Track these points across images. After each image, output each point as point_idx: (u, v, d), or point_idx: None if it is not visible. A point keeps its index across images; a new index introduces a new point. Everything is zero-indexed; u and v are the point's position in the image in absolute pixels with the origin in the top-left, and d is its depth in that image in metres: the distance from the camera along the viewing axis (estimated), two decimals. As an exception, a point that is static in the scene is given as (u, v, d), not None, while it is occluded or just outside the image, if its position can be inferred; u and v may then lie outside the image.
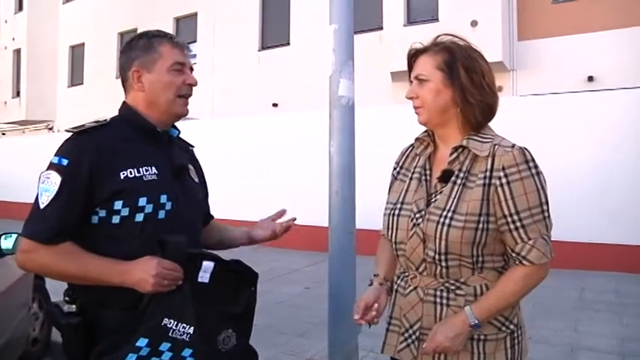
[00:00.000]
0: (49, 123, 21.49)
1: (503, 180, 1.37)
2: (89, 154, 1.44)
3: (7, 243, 3.14)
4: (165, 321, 1.38)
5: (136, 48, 1.58)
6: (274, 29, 15.01)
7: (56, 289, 3.90)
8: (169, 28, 17.04)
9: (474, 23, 10.37)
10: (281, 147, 9.03)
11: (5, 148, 15.83)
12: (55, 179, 1.42)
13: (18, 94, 21.62)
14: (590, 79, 10.18)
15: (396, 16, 11.93)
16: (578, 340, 4.24)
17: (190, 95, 1.63)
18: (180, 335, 1.38)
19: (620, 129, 6.77)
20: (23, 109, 21.18)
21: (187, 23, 16.89)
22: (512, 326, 1.45)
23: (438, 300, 1.44)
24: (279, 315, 4.87)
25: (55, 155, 1.47)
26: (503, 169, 1.37)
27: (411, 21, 11.84)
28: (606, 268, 6.55)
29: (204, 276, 1.44)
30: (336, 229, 2.78)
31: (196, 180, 1.70)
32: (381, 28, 12.34)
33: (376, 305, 1.53)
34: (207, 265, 1.45)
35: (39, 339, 3.73)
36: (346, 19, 2.88)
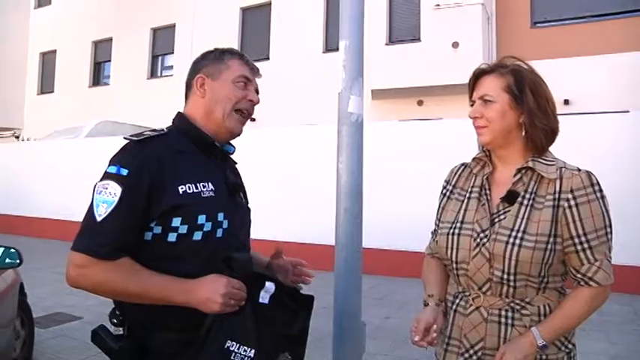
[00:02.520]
0: (15, 131, 20.91)
1: (572, 202, 1.39)
2: (150, 165, 1.36)
3: (-8, 256, 2.98)
4: (229, 344, 1.32)
5: (207, 59, 1.58)
6: (254, 43, 15.00)
7: (33, 306, 3.71)
8: (146, 39, 16.89)
9: (455, 44, 10.57)
10: (285, 163, 8.95)
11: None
12: (115, 190, 1.33)
13: (-17, 100, 20.99)
14: (567, 102, 10.45)
15: (377, 35, 12.05)
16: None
17: (250, 113, 1.59)
18: (242, 358, 1.32)
19: (597, 152, 6.92)
20: (-11, 115, 20.56)
21: (165, 34, 16.77)
22: (570, 346, 1.48)
23: (503, 320, 1.44)
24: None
25: (112, 165, 1.38)
26: (572, 191, 1.40)
27: (392, 40, 11.99)
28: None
29: (264, 296, 1.39)
30: (343, 247, 2.73)
31: (244, 200, 1.66)
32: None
33: (435, 327, 1.50)
34: (270, 287, 1.40)
35: None
36: (357, 35, 2.85)
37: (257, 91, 1.61)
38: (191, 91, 1.56)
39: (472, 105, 1.55)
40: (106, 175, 1.37)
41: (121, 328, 1.39)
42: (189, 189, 1.39)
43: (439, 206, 1.67)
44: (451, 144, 6.19)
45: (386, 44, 11.95)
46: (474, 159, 1.62)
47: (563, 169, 1.44)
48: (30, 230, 11.35)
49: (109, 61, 18.27)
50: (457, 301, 1.55)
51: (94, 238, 1.32)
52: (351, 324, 2.66)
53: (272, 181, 9.00)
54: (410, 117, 10.55)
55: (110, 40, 18.15)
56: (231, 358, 1.32)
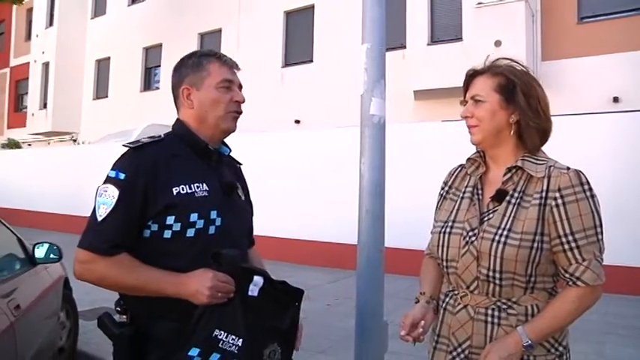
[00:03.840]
0: (73, 135, 21.88)
1: (559, 201, 1.40)
2: (145, 169, 1.48)
3: (40, 252, 3.22)
4: (217, 332, 1.40)
5: (186, 66, 1.63)
6: (298, 46, 15.16)
7: (79, 300, 3.94)
8: (194, 44, 17.33)
9: (497, 43, 10.36)
10: (308, 164, 9.06)
11: (31, 158, 16.12)
12: (113, 192, 1.45)
13: (45, 105, 22.09)
14: (616, 99, 10.08)
15: (419, 35, 11.96)
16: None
17: (239, 112, 1.67)
18: (230, 347, 1.40)
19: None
20: (49, 120, 21.61)
21: (211, 39, 17.16)
22: (561, 348, 1.46)
23: (489, 319, 1.45)
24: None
25: (112, 170, 1.51)
26: (559, 190, 1.40)
27: (434, 40, 11.87)
28: (623, 291, 6.39)
29: (253, 289, 1.46)
30: (365, 246, 2.77)
31: (243, 198, 1.74)
32: (404, 47, 12.40)
33: (422, 322, 1.54)
34: (258, 280, 1.47)
35: (65, 348, 3.78)
36: (379, 38, 2.90)
37: (240, 87, 1.68)
38: (179, 101, 1.65)
39: (464, 104, 1.57)
40: (107, 179, 1.50)
41: (124, 316, 1.50)
42: (183, 190, 1.50)
43: (436, 206, 1.70)
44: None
45: (427, 44, 11.83)
46: (468, 159, 1.65)
47: (552, 167, 1.44)
48: (82, 229, 11.81)
49: (159, 66, 18.85)
50: (447, 299, 1.57)
51: (96, 236, 1.45)
52: (374, 323, 2.70)
53: (298, 182, 9.12)
54: (452, 117, 10.41)
55: (160, 46, 18.72)
56: (219, 345, 1.40)
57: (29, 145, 22.80)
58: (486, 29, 10.65)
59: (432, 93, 11.51)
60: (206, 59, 1.63)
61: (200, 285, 1.39)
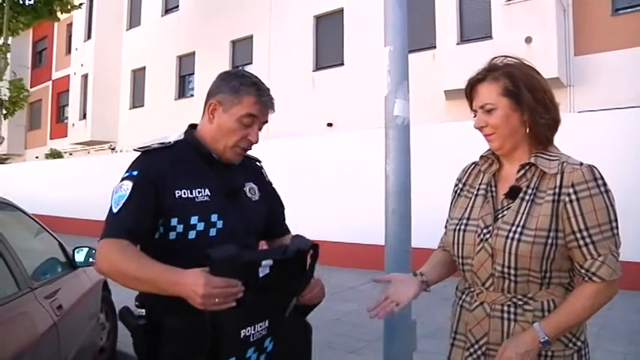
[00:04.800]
0: (111, 144, 22.44)
1: (573, 197, 1.39)
2: (154, 169, 1.59)
3: (80, 256, 3.36)
4: (243, 332, 1.46)
5: (227, 84, 1.68)
6: (328, 50, 15.22)
7: (118, 302, 4.09)
8: (226, 51, 17.59)
9: (528, 40, 10.20)
10: (336, 166, 9.11)
11: (72, 167, 16.65)
12: (127, 186, 1.55)
13: (84, 116, 22.73)
14: (654, 93, 9.79)
15: (449, 34, 11.87)
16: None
17: (248, 149, 1.74)
18: (260, 334, 1.48)
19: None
20: (88, 130, 22.23)
21: (243, 46, 17.40)
22: (579, 343, 1.46)
23: (506, 315, 1.46)
24: (334, 332, 4.93)
25: (126, 172, 1.61)
26: (572, 185, 1.40)
27: (464, 39, 11.75)
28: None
29: (264, 270, 1.47)
30: (392, 247, 2.81)
31: (255, 198, 1.77)
32: (434, 47, 12.33)
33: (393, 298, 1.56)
34: (266, 263, 1.47)
35: (105, 348, 3.93)
36: (401, 40, 2.94)
37: (262, 125, 1.71)
38: (205, 108, 1.72)
39: (474, 115, 1.57)
40: (122, 179, 1.60)
41: (142, 310, 1.58)
42: (185, 194, 1.59)
43: (450, 203, 1.72)
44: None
45: (457, 44, 11.72)
46: (481, 157, 1.65)
47: (565, 163, 1.44)
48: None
49: (193, 73, 19.19)
50: (463, 296, 1.59)
51: (112, 226, 1.52)
52: (401, 322, 2.73)
53: (327, 185, 9.15)
54: (484, 116, 10.29)
55: (193, 54, 19.04)
56: (251, 340, 1.47)
57: (70, 154, 23.52)
58: (516, 26, 10.49)
59: (463, 93, 11.37)
60: (245, 89, 1.66)
61: (191, 291, 1.34)
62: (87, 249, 3.35)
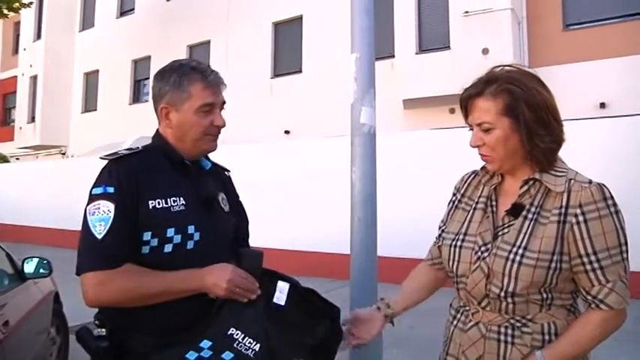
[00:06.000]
0: (62, 148, 21.75)
1: (580, 218, 1.29)
2: (128, 181, 1.47)
3: (29, 267, 3.19)
4: (232, 331, 1.39)
5: (167, 82, 1.56)
6: (286, 57, 15.20)
7: (70, 315, 3.89)
8: (183, 56, 17.32)
9: (485, 51, 10.46)
10: (299, 175, 9.05)
11: (19, 172, 15.99)
12: (108, 207, 1.42)
13: (33, 119, 21.93)
14: (602, 105, 10.19)
15: (408, 44, 12.05)
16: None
17: (218, 134, 1.63)
18: (246, 350, 1.37)
19: (632, 155, 6.72)
20: (37, 134, 21.45)
21: (200, 51, 17.18)
22: None
23: (502, 337, 1.36)
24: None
25: (97, 187, 1.48)
26: (580, 206, 1.29)
27: (422, 49, 11.96)
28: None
29: (280, 297, 1.43)
30: (358, 256, 2.77)
31: (226, 209, 1.70)
32: (393, 56, 12.48)
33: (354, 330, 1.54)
34: (283, 286, 1.44)
35: (56, 365, 3.73)
36: (367, 47, 2.92)
37: (222, 106, 1.62)
38: (158, 115, 1.62)
39: (470, 128, 1.45)
40: (95, 197, 1.46)
41: (103, 330, 1.47)
42: (159, 204, 1.48)
43: (447, 213, 1.61)
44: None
45: (416, 53, 11.92)
46: (482, 168, 1.53)
47: (572, 181, 1.33)
48: (73, 243, 11.61)
49: (148, 78, 18.82)
50: (458, 315, 1.49)
51: (102, 254, 1.40)
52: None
53: (289, 193, 9.10)
54: (442, 125, 10.47)
55: (149, 58, 18.67)
56: (234, 345, 1.37)
57: (17, 159, 22.62)
58: (474, 37, 10.76)
59: (422, 101, 11.59)
60: (188, 79, 1.54)
61: (218, 278, 1.40)
62: (37, 259, 3.18)
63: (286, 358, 1.41)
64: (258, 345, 1.37)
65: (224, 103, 1.63)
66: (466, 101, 1.43)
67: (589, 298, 1.32)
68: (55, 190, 13.32)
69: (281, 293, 1.44)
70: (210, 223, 1.57)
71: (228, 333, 1.38)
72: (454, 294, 1.56)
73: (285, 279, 1.47)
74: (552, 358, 1.30)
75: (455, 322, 1.49)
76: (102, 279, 1.39)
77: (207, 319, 1.40)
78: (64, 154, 21.57)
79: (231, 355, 1.37)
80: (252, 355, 1.36)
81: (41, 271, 3.14)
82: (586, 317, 1.33)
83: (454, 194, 1.62)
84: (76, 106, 21.82)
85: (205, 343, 1.37)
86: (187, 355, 1.35)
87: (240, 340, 1.38)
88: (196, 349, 1.36)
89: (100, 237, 1.40)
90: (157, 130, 1.65)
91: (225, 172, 1.83)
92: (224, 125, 1.61)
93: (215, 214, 1.62)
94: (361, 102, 2.84)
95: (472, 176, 1.59)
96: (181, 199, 1.52)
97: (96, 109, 20.75)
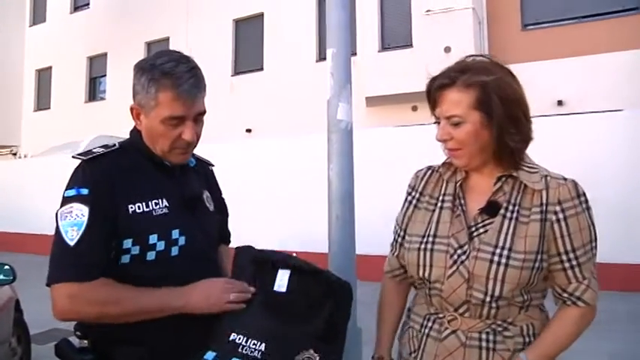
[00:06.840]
0: (13, 148, 20.96)
1: (560, 215, 1.26)
2: (104, 183, 1.34)
3: (-13, 274, 3.00)
4: (234, 336, 1.31)
5: (139, 82, 1.38)
6: (248, 54, 15.05)
7: (31, 323, 3.69)
8: (140, 53, 16.93)
9: (447, 49, 10.60)
10: (271, 173, 8.96)
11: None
12: (81, 210, 1.29)
13: (-19, 118, 21.05)
14: (560, 103, 10.49)
15: (370, 41, 12.10)
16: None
17: (191, 148, 1.46)
18: (252, 352, 1.29)
19: (591, 152, 6.93)
20: (-14, 133, 20.61)
21: (159, 48, 16.66)
22: None
23: (484, 344, 1.29)
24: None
25: (70, 189, 1.33)
26: (560, 203, 1.27)
27: (385, 47, 12.03)
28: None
29: (281, 285, 1.36)
30: (336, 254, 2.73)
31: (211, 208, 1.59)
32: (355, 54, 12.49)
33: None
34: (283, 274, 1.36)
35: (16, 376, 3.54)
36: (344, 42, 2.86)
37: (198, 117, 1.43)
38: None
39: (436, 121, 1.36)
40: (67, 200, 1.32)
41: (85, 341, 1.36)
42: (139, 208, 1.35)
43: (403, 215, 1.49)
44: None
45: (378, 51, 11.98)
46: (443, 164, 1.45)
47: (549, 177, 1.30)
48: (27, 247, 11.13)
49: (105, 75, 18.32)
50: (429, 324, 1.38)
51: (75, 263, 1.27)
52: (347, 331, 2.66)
53: (266, 191, 9.01)
54: (405, 123, 10.56)
55: (105, 55, 18.20)
56: (239, 350, 1.29)
57: (-35, 159, 21.69)
58: (436, 35, 10.91)
59: (384, 99, 11.67)
60: (157, 85, 1.34)
61: (206, 298, 1.33)
62: (-4, 265, 2.99)
63: (295, 352, 1.32)
64: (263, 345, 1.30)
65: (202, 113, 1.44)
66: (435, 92, 1.34)
67: (565, 295, 1.31)
68: (8, 191, 12.78)
69: (282, 281, 1.37)
70: (196, 226, 1.46)
71: (231, 339, 1.31)
72: (414, 299, 1.48)
73: (284, 261, 1.39)
74: (537, 358, 1.28)
75: (425, 331, 1.38)
76: (74, 291, 1.26)
77: (207, 327, 1.33)
78: (15, 154, 20.79)
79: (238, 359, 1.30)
80: (259, 357, 1.29)
81: (2, 277, 2.95)
82: (563, 315, 1.32)
83: (409, 193, 1.51)
84: (27, 104, 21.06)
85: (210, 355, 1.29)
86: None
87: (244, 344, 1.30)
88: None
89: (72, 244, 1.26)
90: (134, 127, 1.50)
91: (209, 167, 1.72)
92: (192, 140, 1.41)
93: (200, 214, 1.51)
94: (338, 98, 2.78)
95: (429, 173, 1.49)
96: (164, 201, 1.39)
97: (49, 108, 20.07)
